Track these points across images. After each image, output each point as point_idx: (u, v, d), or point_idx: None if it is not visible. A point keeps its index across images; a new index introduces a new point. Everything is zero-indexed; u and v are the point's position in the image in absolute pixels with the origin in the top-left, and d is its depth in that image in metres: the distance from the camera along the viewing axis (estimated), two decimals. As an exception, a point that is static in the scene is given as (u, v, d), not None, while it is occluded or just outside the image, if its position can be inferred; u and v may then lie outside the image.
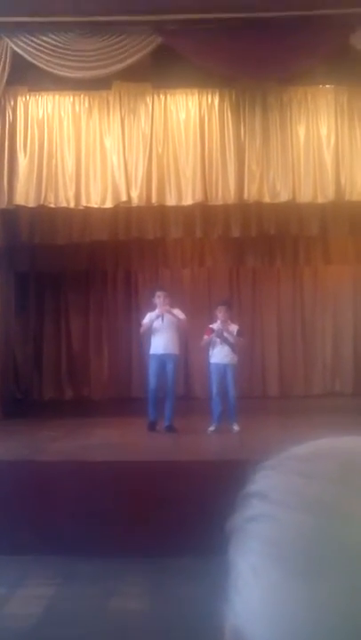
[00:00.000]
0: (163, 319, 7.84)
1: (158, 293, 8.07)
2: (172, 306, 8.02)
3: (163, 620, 4.57)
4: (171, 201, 8.59)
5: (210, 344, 7.96)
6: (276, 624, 0.44)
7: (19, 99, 8.60)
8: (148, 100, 8.57)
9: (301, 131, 8.54)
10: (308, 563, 0.43)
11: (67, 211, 8.90)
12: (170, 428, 7.82)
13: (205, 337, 8.00)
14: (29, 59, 8.02)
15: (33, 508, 5.98)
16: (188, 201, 8.56)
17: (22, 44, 7.99)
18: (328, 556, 0.43)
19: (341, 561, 0.42)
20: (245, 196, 8.52)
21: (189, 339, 9.73)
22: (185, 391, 10.92)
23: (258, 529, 0.47)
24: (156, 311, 7.91)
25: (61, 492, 6.04)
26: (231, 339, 7.93)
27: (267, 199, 8.56)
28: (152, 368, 8.00)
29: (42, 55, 7.97)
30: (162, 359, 7.90)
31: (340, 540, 0.43)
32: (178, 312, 7.96)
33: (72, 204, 8.55)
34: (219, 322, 7.96)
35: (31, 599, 4.97)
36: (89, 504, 5.95)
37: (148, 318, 7.97)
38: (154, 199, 8.52)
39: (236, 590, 0.47)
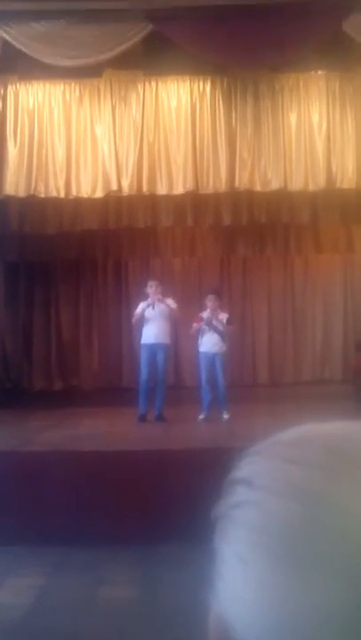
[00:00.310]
0: (154, 308, 7.82)
1: (151, 283, 8.06)
2: (165, 295, 8.00)
3: (152, 607, 4.59)
4: (162, 190, 8.56)
5: (199, 332, 7.97)
6: (260, 611, 0.43)
7: (9, 87, 8.53)
8: (140, 87, 8.52)
9: (293, 118, 8.52)
10: (292, 549, 0.43)
11: (57, 200, 8.85)
12: (160, 418, 7.84)
13: (194, 325, 8.00)
14: (20, 47, 7.93)
15: (22, 498, 5.98)
16: (179, 189, 8.54)
17: (13, 32, 7.90)
18: (313, 543, 0.42)
19: (325, 547, 0.42)
20: (236, 184, 8.50)
21: (179, 327, 9.72)
22: (175, 380, 10.94)
23: (243, 515, 0.46)
24: (148, 300, 7.90)
25: (51, 482, 6.05)
26: (221, 327, 7.93)
27: (258, 187, 8.55)
28: (143, 358, 8.00)
29: (32, 43, 7.89)
30: (153, 348, 7.90)
31: (324, 526, 0.42)
32: (170, 301, 7.95)
33: (62, 194, 8.50)
34: (208, 310, 7.96)
35: (21, 589, 4.98)
36: (78, 494, 5.96)
37: (140, 308, 7.95)
38: (145, 188, 8.49)
39: (220, 577, 0.47)
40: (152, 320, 7.85)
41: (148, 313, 7.86)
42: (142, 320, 7.93)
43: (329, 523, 0.43)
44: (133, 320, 8.11)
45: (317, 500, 0.44)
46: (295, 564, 0.42)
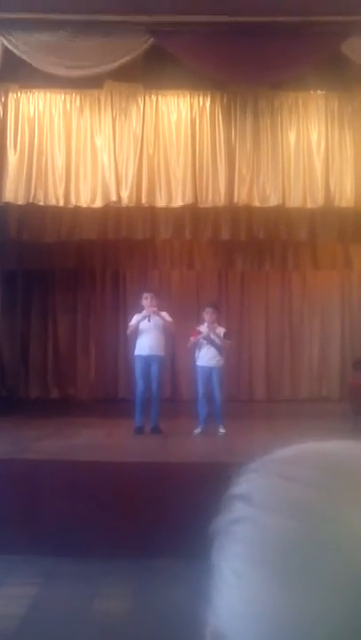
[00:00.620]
0: (150, 320, 7.83)
1: (146, 295, 8.07)
2: (160, 308, 8.00)
3: (146, 621, 4.57)
4: (161, 202, 8.59)
5: (196, 346, 7.97)
6: (257, 626, 0.44)
7: (10, 95, 8.57)
8: (140, 100, 8.57)
9: (292, 136, 8.57)
10: (288, 565, 0.43)
11: (56, 209, 8.88)
12: (155, 430, 7.82)
13: (192, 339, 8.00)
14: (21, 56, 7.98)
15: (16, 507, 5.95)
16: (177, 202, 8.57)
17: (15, 41, 7.95)
18: (308, 559, 0.43)
19: (321, 563, 0.43)
20: (235, 199, 8.53)
21: (177, 341, 9.70)
22: (171, 393, 10.92)
23: (240, 531, 0.47)
24: (143, 312, 7.90)
25: (46, 491, 6.02)
26: (218, 341, 7.93)
27: (256, 203, 8.59)
28: (138, 370, 7.97)
29: (34, 53, 7.95)
30: (147, 360, 7.88)
31: (320, 543, 0.43)
32: (165, 314, 7.94)
33: (61, 203, 8.53)
34: (206, 324, 7.96)
35: (14, 599, 4.94)
36: (73, 504, 5.93)
37: (135, 319, 7.95)
38: (144, 200, 8.52)
39: (217, 593, 0.47)
40: (146, 332, 7.84)
41: (143, 325, 7.85)
42: (137, 332, 7.92)
43: (326, 539, 0.43)
44: (128, 331, 8.10)
45: (314, 517, 0.44)
46: (292, 580, 0.43)
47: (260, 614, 0.44)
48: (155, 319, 7.84)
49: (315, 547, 0.43)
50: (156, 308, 7.89)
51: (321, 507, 0.44)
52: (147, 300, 7.93)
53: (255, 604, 0.44)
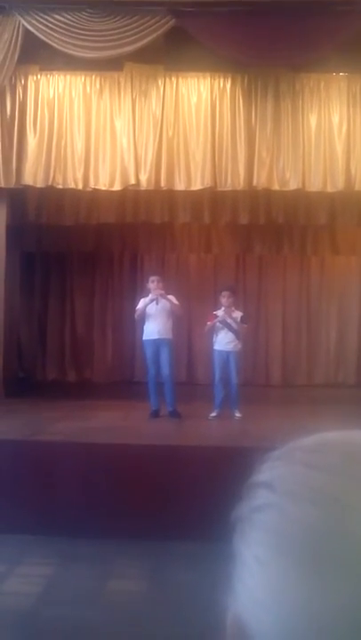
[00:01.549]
0: (158, 303, 7.78)
1: (152, 278, 8.01)
2: (167, 291, 7.95)
3: (160, 602, 4.62)
4: (180, 185, 8.56)
5: (213, 330, 7.96)
6: (278, 614, 0.44)
7: (30, 77, 8.56)
8: (160, 82, 8.52)
9: (313, 119, 8.48)
10: (311, 553, 0.43)
11: (74, 192, 8.88)
12: (174, 414, 7.81)
13: (208, 323, 7.99)
14: (42, 37, 7.96)
15: (34, 488, 6.02)
16: (197, 186, 8.53)
17: (35, 22, 7.93)
18: (332, 547, 0.43)
19: (345, 552, 0.42)
20: (255, 182, 8.48)
21: (193, 324, 9.68)
22: (187, 377, 10.95)
23: (263, 519, 0.47)
24: (150, 295, 7.85)
25: (62, 473, 6.08)
26: (235, 325, 7.91)
27: (276, 187, 8.52)
28: (148, 354, 7.95)
29: (54, 34, 7.92)
30: (156, 344, 7.85)
31: (344, 532, 0.43)
32: (172, 297, 7.90)
33: (80, 186, 8.53)
34: (223, 308, 7.95)
35: (30, 578, 5.02)
36: (89, 485, 5.99)
37: (142, 303, 7.89)
38: (163, 183, 8.49)
39: (239, 579, 0.47)
40: (155, 316, 7.80)
41: (151, 308, 7.81)
42: (144, 315, 7.89)
43: (349, 527, 0.43)
44: (136, 315, 8.03)
45: (338, 505, 0.44)
46: (314, 568, 0.43)
47: (281, 601, 0.44)
48: (162, 302, 7.79)
49: (338, 535, 0.43)
50: (163, 292, 7.85)
51: (345, 495, 0.44)
52: (153, 283, 7.87)
53: (277, 592, 0.44)
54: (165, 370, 7.86)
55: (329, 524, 0.44)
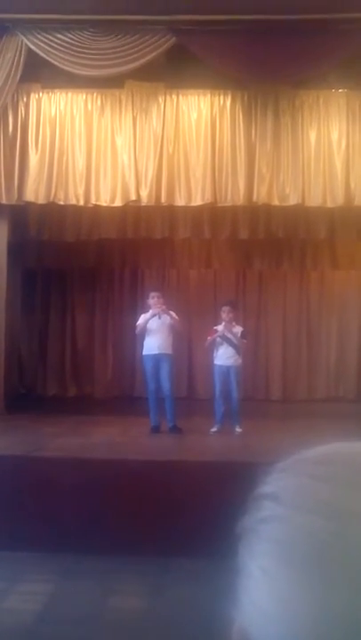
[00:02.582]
0: (160, 318, 7.80)
1: (153, 294, 8.02)
2: (167, 307, 7.95)
3: (161, 619, 4.58)
4: (180, 201, 8.60)
5: (213, 345, 7.96)
6: (285, 626, 0.44)
7: (32, 95, 8.63)
8: (161, 99, 8.58)
9: (312, 135, 8.54)
10: (318, 565, 0.43)
11: (76, 208, 8.92)
12: (174, 429, 7.78)
13: (209, 338, 7.99)
14: (44, 56, 8.04)
15: (34, 504, 5.98)
16: (197, 201, 8.57)
17: (37, 42, 8.01)
18: (338, 559, 0.43)
19: (351, 563, 0.43)
20: (255, 198, 8.52)
21: (194, 339, 9.65)
22: (188, 392, 10.92)
23: (269, 530, 0.47)
24: (151, 311, 7.87)
25: (63, 489, 6.05)
26: (235, 340, 7.91)
27: (276, 202, 8.56)
28: (148, 369, 7.93)
29: (57, 53, 7.99)
30: (156, 359, 7.84)
31: (350, 543, 0.43)
32: (172, 313, 7.92)
33: (81, 202, 8.57)
34: (223, 323, 7.95)
35: (30, 595, 4.98)
36: (90, 502, 5.96)
37: (142, 319, 7.90)
38: (163, 199, 8.53)
39: (244, 591, 0.47)
40: (155, 331, 7.80)
41: (152, 324, 7.82)
42: (144, 331, 7.89)
43: (355, 539, 0.43)
44: (137, 331, 8.04)
45: (344, 516, 0.44)
46: (320, 580, 0.43)
47: (287, 613, 0.44)
48: (163, 317, 7.81)
49: (344, 546, 0.43)
50: (165, 307, 7.87)
51: (351, 506, 0.45)
52: (154, 299, 7.89)
53: (283, 603, 0.44)
54: (166, 385, 7.85)
55: (335, 535, 0.44)
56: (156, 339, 7.80)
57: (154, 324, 7.81)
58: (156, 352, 7.80)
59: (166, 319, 7.82)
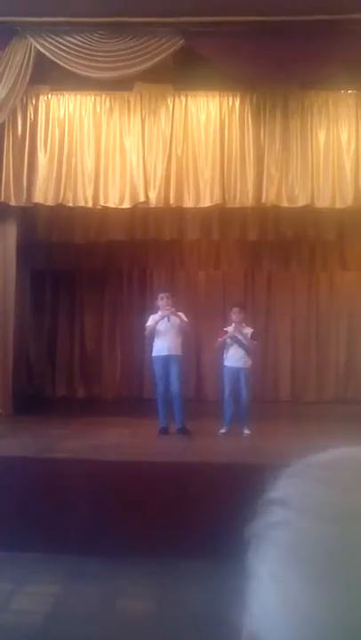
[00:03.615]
0: (169, 320, 7.80)
1: (162, 295, 8.01)
2: (176, 308, 7.95)
3: (168, 621, 4.57)
4: (189, 203, 8.60)
5: (223, 346, 7.95)
6: (293, 630, 0.44)
7: (41, 98, 8.66)
8: (169, 101, 8.59)
9: (321, 136, 8.52)
10: (328, 570, 0.43)
11: (84, 210, 8.93)
12: (183, 431, 7.77)
13: (219, 339, 7.99)
14: (53, 58, 8.06)
15: (41, 506, 5.99)
16: (206, 203, 8.57)
17: (46, 44, 8.04)
18: (347, 564, 0.43)
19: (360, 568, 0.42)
20: (263, 199, 8.51)
21: (203, 341, 9.63)
22: (196, 393, 10.93)
23: (278, 536, 0.47)
24: (160, 312, 7.87)
25: (70, 491, 6.06)
26: (245, 341, 7.90)
27: (285, 203, 8.55)
28: (158, 370, 7.92)
29: (66, 55, 8.02)
30: (165, 360, 7.84)
31: (360, 549, 0.43)
32: (182, 315, 7.92)
33: (90, 204, 8.59)
34: (233, 324, 7.94)
35: (38, 597, 4.99)
36: (98, 503, 5.96)
37: (151, 320, 7.90)
38: (172, 200, 8.54)
39: (254, 597, 0.47)
40: (164, 332, 7.79)
41: (162, 325, 7.81)
42: (154, 332, 7.89)
43: None
44: (146, 332, 8.03)
45: (353, 521, 0.44)
46: (329, 584, 0.43)
47: (297, 618, 0.44)
48: (172, 319, 7.81)
49: (353, 550, 0.43)
50: (173, 308, 7.86)
51: (359, 510, 0.44)
52: (162, 300, 7.88)
53: (293, 608, 0.44)
54: (174, 386, 7.84)
55: (345, 541, 0.44)
56: (165, 340, 7.80)
57: (163, 325, 7.81)
58: (165, 353, 7.80)
59: (175, 321, 7.82)
